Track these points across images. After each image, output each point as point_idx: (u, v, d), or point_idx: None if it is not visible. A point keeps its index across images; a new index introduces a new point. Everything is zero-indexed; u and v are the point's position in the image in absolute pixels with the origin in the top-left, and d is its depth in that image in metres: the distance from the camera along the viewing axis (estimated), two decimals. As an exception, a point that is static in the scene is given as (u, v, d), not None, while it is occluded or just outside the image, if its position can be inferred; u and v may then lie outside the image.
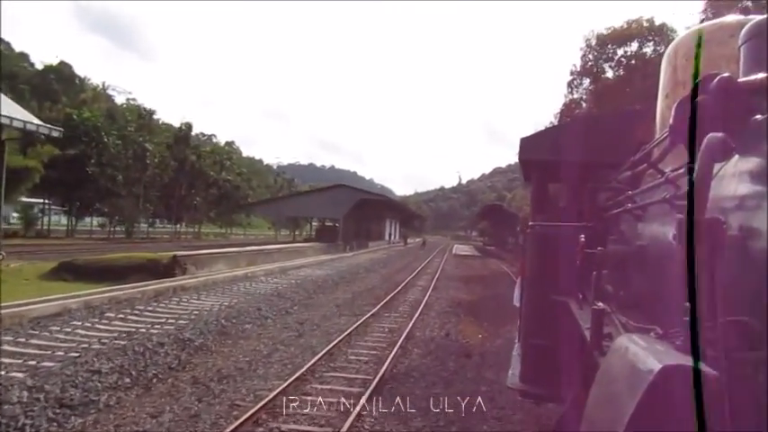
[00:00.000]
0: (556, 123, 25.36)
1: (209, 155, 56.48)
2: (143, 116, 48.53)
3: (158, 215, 58.24)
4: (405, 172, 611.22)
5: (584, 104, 27.19)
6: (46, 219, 46.09)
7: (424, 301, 15.61)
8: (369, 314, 12.73)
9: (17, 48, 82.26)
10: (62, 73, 67.59)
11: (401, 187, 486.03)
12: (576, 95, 27.88)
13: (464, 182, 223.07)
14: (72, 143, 41.73)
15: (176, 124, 79.78)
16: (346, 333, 10.39)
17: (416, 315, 13.20)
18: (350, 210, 42.14)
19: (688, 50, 3.21)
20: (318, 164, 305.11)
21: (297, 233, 61.07)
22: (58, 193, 43.15)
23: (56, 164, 40.32)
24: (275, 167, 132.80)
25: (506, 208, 48.96)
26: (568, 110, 27.54)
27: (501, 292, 18.32)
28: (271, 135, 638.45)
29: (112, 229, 47.79)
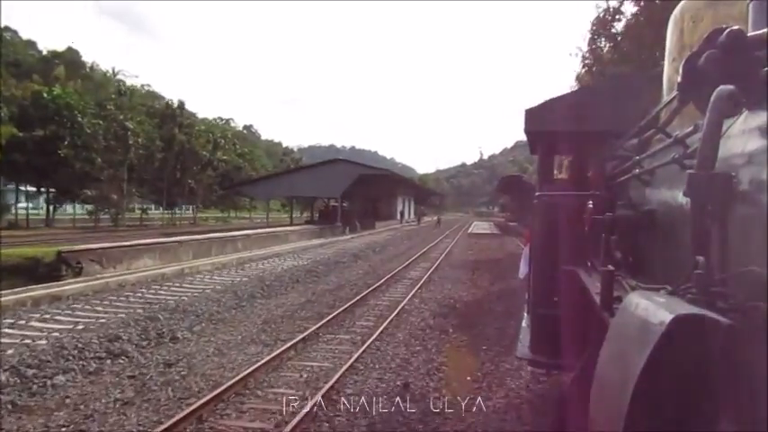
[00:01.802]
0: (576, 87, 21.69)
1: (203, 133, 52.21)
2: (123, 92, 44.40)
3: (152, 200, 54.58)
4: (426, 150, 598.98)
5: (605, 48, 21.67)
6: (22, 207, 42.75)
7: (400, 307, 10.92)
8: (296, 340, 8.12)
9: (25, 36, 79.28)
10: (67, 59, 63.97)
11: (423, 165, 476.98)
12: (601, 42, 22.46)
13: (486, 157, 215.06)
14: (42, 123, 38.01)
15: (201, 115, 75.99)
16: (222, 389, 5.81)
17: (375, 334, 8.55)
18: (349, 187, 37.39)
19: (695, 12, 3.07)
20: (339, 145, 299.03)
21: (306, 215, 56.58)
22: (28, 179, 39.57)
23: (24, 147, 36.74)
24: (295, 150, 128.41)
25: (526, 179, 43.52)
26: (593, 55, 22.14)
27: (514, 285, 13.52)
28: (290, 119, 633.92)
29: (100, 216, 44.15)
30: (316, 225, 38.66)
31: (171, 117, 47.51)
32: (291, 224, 42.59)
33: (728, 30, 1.60)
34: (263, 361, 6.94)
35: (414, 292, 13.04)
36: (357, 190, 44.47)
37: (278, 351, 7.41)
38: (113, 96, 45.80)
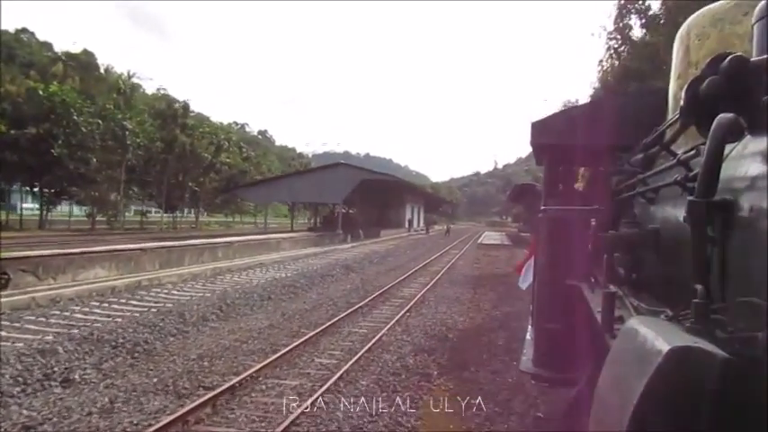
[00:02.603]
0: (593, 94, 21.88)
1: (206, 135, 50.59)
2: (122, 91, 43.05)
3: (154, 203, 53.03)
4: (440, 158, 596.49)
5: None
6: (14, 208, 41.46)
7: (377, 338, 8.86)
8: (222, 389, 6.10)
9: (42, 37, 79.04)
10: (82, 61, 63.10)
11: (437, 174, 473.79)
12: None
13: (500, 166, 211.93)
14: (36, 121, 36.68)
15: (215, 119, 74.24)
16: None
17: (332, 380, 6.50)
18: (351, 192, 35.38)
19: (701, 30, 3.06)
20: (354, 152, 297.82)
21: (311, 221, 54.58)
22: (20, 179, 38.24)
23: (16, 145, 35.42)
24: (310, 155, 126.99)
25: (540, 188, 41.14)
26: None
27: (521, 308, 11.42)
28: (306, 126, 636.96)
29: (97, 218, 42.66)
30: (317, 232, 36.80)
31: (173, 117, 45.98)
32: (292, 230, 40.81)
33: (731, 56, 1.61)
34: (155, 427, 4.93)
35: (400, 315, 10.96)
36: (362, 196, 42.52)
37: (186, 409, 5.40)
38: (114, 96, 44.45)
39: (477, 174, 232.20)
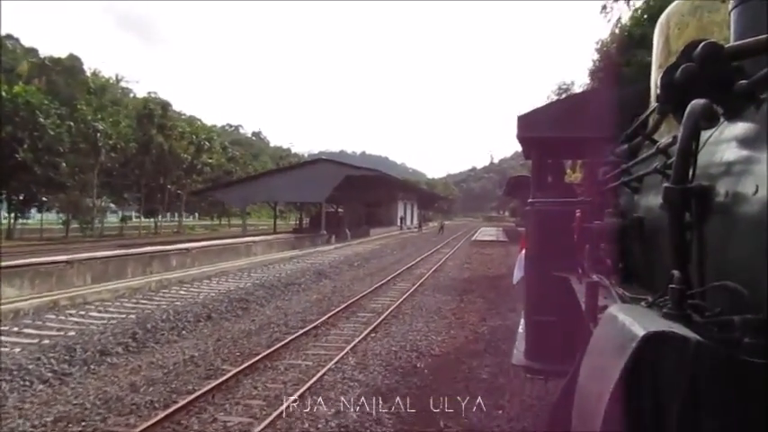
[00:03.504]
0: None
1: (186, 135, 48.09)
2: (92, 91, 40.65)
3: (135, 208, 50.68)
4: (437, 155, 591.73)
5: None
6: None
7: (319, 376, 6.68)
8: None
9: (27, 44, 76.53)
10: (66, 65, 60.66)
11: (434, 170, 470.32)
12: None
13: (496, 161, 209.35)
14: (-2, 124, 34.41)
15: (209, 122, 71.04)
16: None
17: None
18: (335, 190, 33.15)
19: (680, 19, 3.09)
20: (349, 150, 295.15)
21: (297, 222, 51.76)
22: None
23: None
24: (306, 155, 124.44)
25: (537, 180, 38.86)
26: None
27: (513, 321, 9.27)
28: (301, 125, 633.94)
29: (73, 226, 40.41)
30: (300, 234, 34.62)
31: (148, 117, 43.61)
32: (275, 232, 38.59)
33: (704, 42, 1.62)
34: None
35: (361, 338, 8.80)
36: (349, 194, 40.31)
37: None
38: (87, 96, 42.13)
39: (474, 169, 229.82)
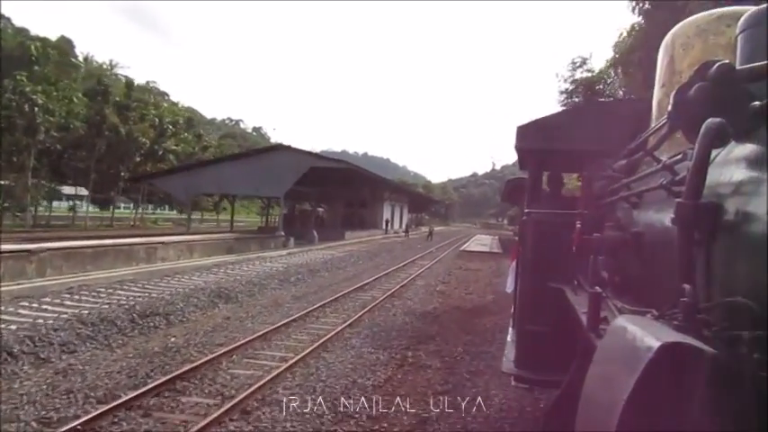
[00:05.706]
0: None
1: (150, 118, 42.63)
2: (35, 60, 35.27)
3: (90, 196, 45.25)
4: (439, 159, 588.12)
5: None
6: None
7: None
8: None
9: (18, 23, 71.71)
10: (54, 46, 55.78)
11: (436, 174, 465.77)
12: None
13: (498, 167, 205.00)
14: None
15: (209, 115, 65.50)
16: None
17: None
18: (299, 184, 28.09)
19: (685, 40, 3.13)
20: (351, 151, 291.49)
21: (263, 220, 45.68)
22: None
23: None
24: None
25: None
26: None
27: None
28: (304, 124, 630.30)
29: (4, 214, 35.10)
30: (257, 234, 29.53)
31: (103, 95, 38.33)
32: (232, 230, 33.48)
33: (719, 63, 1.64)
34: None
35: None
36: (323, 190, 35.29)
37: None
38: (35, 68, 36.74)
39: (475, 175, 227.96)
